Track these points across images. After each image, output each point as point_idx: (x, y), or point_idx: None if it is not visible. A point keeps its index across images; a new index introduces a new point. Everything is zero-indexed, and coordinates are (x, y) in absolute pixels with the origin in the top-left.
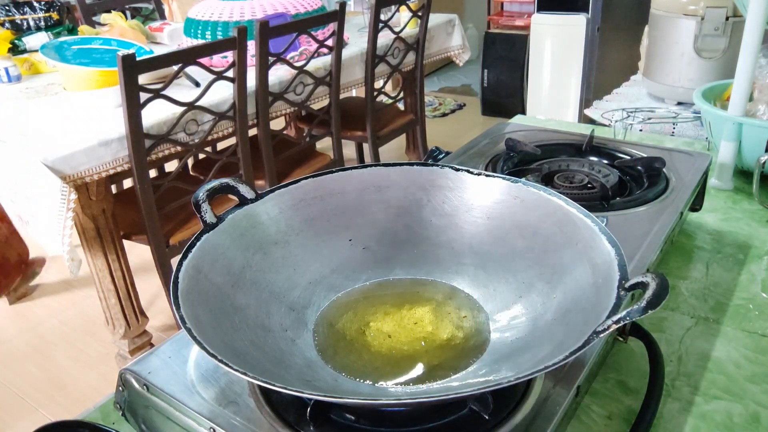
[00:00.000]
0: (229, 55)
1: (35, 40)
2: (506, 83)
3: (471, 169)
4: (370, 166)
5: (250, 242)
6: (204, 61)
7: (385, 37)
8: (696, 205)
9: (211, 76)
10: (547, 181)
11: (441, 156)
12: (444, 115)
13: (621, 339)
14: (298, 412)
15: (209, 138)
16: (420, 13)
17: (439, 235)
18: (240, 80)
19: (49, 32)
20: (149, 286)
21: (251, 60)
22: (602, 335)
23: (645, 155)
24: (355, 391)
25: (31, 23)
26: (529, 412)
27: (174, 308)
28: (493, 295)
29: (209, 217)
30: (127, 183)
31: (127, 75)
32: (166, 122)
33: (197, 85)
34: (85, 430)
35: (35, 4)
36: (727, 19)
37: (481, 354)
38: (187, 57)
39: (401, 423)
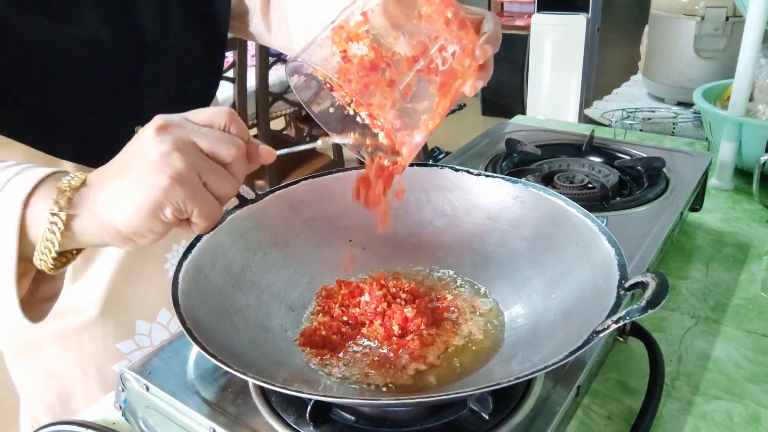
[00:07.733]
0: (229, 55)
1: None
2: (506, 83)
3: (471, 170)
4: None
5: (250, 243)
6: None
7: None
8: (696, 205)
9: None
10: (547, 181)
11: (441, 156)
12: None
13: (621, 339)
14: (298, 412)
15: None
16: None
17: (439, 236)
18: (240, 80)
19: None
20: None
21: (251, 60)
22: (602, 335)
23: (645, 155)
24: (355, 391)
25: None
26: (529, 412)
27: (174, 308)
28: (493, 295)
29: None
30: None
31: None
32: None
33: None
34: (85, 430)
35: None
36: (727, 19)
37: (480, 354)
38: None
39: (401, 423)
